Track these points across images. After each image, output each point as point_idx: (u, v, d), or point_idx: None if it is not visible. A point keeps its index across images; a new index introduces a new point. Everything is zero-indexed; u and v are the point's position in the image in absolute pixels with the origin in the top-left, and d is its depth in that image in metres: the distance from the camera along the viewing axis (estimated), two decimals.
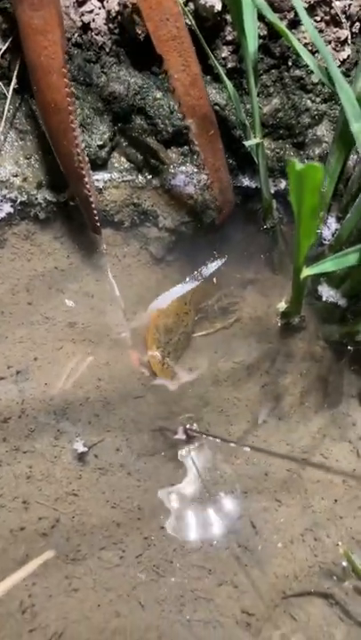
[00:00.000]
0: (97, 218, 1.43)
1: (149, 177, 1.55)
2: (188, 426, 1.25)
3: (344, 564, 1.15)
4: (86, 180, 1.37)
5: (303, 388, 1.37)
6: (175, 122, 1.47)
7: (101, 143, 1.48)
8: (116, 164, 1.55)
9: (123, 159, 1.55)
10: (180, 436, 1.25)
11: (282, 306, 1.26)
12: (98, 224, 1.45)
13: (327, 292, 1.41)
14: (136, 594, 1.12)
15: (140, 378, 1.39)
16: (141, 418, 1.33)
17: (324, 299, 1.42)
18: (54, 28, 1.20)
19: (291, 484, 1.25)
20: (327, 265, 1.01)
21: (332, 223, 1.47)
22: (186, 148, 1.53)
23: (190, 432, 1.25)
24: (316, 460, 1.28)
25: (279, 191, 1.55)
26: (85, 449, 1.26)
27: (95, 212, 1.42)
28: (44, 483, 1.24)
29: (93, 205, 1.41)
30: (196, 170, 1.53)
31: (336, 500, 1.23)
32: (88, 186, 1.38)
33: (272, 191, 1.51)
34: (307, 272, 1.04)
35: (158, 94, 1.45)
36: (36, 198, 1.52)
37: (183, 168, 1.54)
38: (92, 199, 1.39)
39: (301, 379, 1.38)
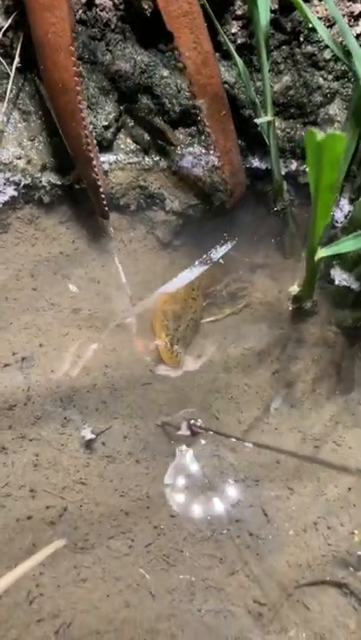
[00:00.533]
0: (105, 202, 1.40)
1: (156, 158, 1.51)
2: (192, 421, 1.21)
3: (359, 553, 1.13)
4: (94, 162, 1.33)
5: (315, 375, 1.34)
6: (183, 101, 1.42)
7: (107, 124, 1.44)
8: (121, 146, 1.51)
9: (129, 140, 1.51)
10: (184, 431, 1.21)
11: (294, 289, 1.22)
12: (106, 208, 1.41)
13: (340, 276, 1.38)
14: (146, 583, 1.10)
15: (147, 364, 1.36)
16: (150, 405, 1.30)
17: (336, 282, 1.38)
18: (62, 3, 1.16)
19: (303, 471, 1.22)
20: (344, 245, 0.97)
21: (345, 205, 1.43)
22: (194, 128, 1.49)
23: (194, 428, 1.21)
24: (328, 448, 1.25)
25: (290, 172, 1.51)
26: (93, 436, 1.23)
27: (103, 196, 1.38)
28: (50, 471, 1.21)
29: (102, 190, 1.37)
30: (204, 151, 1.49)
31: (350, 488, 1.20)
32: (96, 169, 1.34)
33: (283, 172, 1.47)
34: (322, 253, 1.00)
35: (165, 72, 1.40)
36: (41, 181, 1.48)
37: (191, 149, 1.50)
38: (100, 183, 1.36)
39: (313, 365, 1.35)
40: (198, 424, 1.19)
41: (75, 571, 1.11)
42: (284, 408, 1.29)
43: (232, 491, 1.19)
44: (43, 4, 1.16)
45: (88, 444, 1.24)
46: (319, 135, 0.69)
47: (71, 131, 1.30)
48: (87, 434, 1.24)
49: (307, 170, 0.79)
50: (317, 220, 0.89)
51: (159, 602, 1.09)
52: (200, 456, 1.23)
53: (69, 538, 1.14)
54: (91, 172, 1.34)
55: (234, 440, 1.24)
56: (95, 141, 1.38)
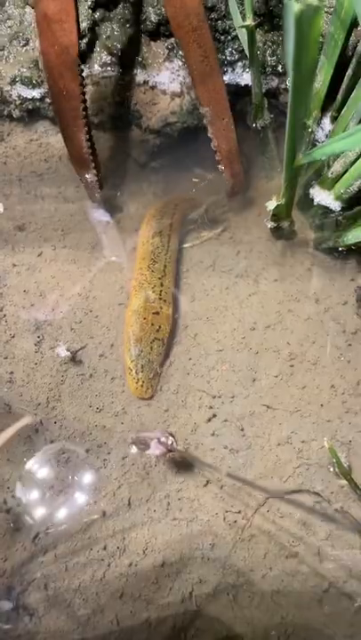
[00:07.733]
0: (99, 198, 1.44)
1: (133, 72, 1.44)
2: (162, 439, 1.12)
3: (330, 467, 1.15)
4: (93, 165, 1.35)
5: (292, 296, 1.33)
6: (161, 9, 1.35)
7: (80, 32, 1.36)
8: (96, 58, 1.43)
9: (103, 53, 1.43)
10: (154, 450, 1.15)
11: (271, 204, 1.19)
12: (97, 201, 1.45)
13: (319, 196, 1.35)
14: (121, 493, 1.11)
15: (123, 286, 1.34)
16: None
17: (315, 202, 1.36)
18: (70, 16, 1.15)
19: (278, 389, 1.22)
20: (330, 148, 0.93)
21: (327, 124, 1.39)
22: (172, 41, 1.41)
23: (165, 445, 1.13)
24: (303, 367, 1.25)
25: (270, 90, 1.46)
26: (68, 354, 1.22)
27: (98, 195, 1.42)
28: (24, 388, 1.21)
29: (98, 193, 1.41)
30: (182, 64, 1.42)
31: (322, 405, 1.22)
32: (95, 171, 1.36)
33: (263, 90, 1.42)
34: (302, 160, 0.97)
35: None
36: (10, 95, 1.41)
37: (168, 64, 1.43)
38: (97, 185, 1.39)
39: (290, 286, 1.34)
40: (170, 442, 1.13)
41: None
42: (260, 327, 1.29)
43: (209, 407, 1.20)
44: (52, 18, 1.15)
45: (63, 363, 1.23)
46: (298, 5, 0.65)
47: (72, 135, 1.30)
48: (62, 352, 1.22)
49: (286, 50, 0.75)
50: (295, 111, 0.84)
51: (134, 511, 1.10)
52: (177, 369, 1.24)
53: (46, 451, 1.14)
54: (88, 175, 1.37)
55: (211, 358, 1.25)
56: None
